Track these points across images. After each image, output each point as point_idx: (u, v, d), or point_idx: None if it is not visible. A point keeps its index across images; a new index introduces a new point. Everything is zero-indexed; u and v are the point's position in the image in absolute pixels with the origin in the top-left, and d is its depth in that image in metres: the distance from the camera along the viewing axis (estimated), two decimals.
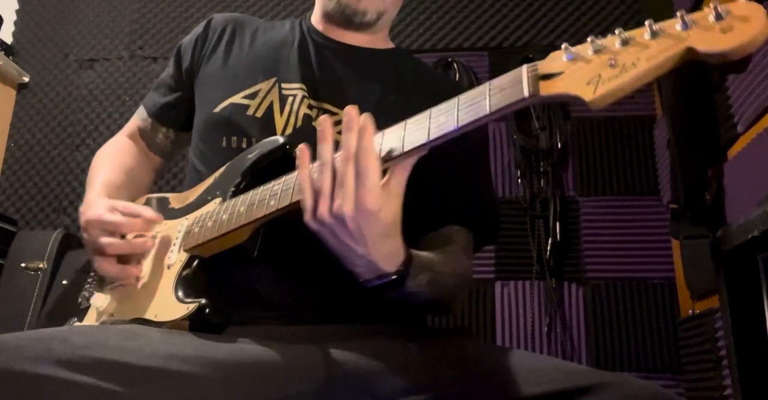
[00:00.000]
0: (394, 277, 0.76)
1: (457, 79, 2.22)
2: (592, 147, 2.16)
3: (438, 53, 2.33)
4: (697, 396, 1.65)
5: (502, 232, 1.09)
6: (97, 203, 0.99)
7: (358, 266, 0.76)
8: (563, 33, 2.28)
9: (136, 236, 0.95)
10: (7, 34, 2.61)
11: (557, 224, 2.07)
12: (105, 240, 0.93)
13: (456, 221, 1.00)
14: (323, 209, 0.71)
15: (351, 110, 0.71)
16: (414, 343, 0.84)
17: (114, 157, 1.18)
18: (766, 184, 1.31)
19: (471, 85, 2.22)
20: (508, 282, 2.08)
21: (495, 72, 2.26)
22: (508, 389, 0.72)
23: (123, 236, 0.95)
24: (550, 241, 2.06)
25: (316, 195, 0.72)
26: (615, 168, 2.13)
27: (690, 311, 1.71)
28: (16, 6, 2.69)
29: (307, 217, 0.73)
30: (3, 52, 2.47)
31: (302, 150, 0.75)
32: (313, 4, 1.17)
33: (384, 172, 0.71)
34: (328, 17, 1.11)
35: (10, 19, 2.64)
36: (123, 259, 0.95)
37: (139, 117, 1.23)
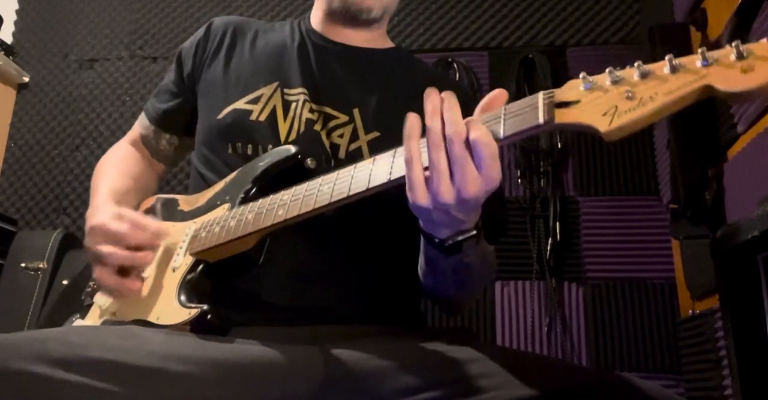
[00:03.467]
0: (473, 232, 0.76)
1: (457, 79, 2.22)
2: (592, 147, 2.16)
3: (438, 53, 2.33)
4: (697, 396, 1.65)
5: None
6: (104, 209, 0.97)
7: (445, 230, 0.75)
8: (563, 33, 2.27)
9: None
10: (7, 34, 2.61)
11: (557, 224, 2.07)
12: (106, 249, 0.90)
13: None
14: (444, 189, 0.67)
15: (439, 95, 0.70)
16: (414, 343, 0.84)
17: (118, 164, 1.17)
18: (766, 184, 1.31)
19: (471, 85, 2.23)
20: (508, 282, 2.07)
21: (495, 72, 2.27)
22: (508, 390, 0.72)
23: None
24: (550, 241, 2.06)
25: (436, 173, 0.67)
26: (615, 168, 2.13)
27: (690, 311, 1.71)
28: (16, 6, 2.69)
29: (420, 194, 0.68)
30: (3, 52, 2.47)
31: (415, 118, 0.70)
32: (312, 4, 1.17)
33: None
34: (332, 15, 1.11)
35: (10, 19, 2.64)
36: (123, 270, 0.92)
37: (140, 124, 1.22)
